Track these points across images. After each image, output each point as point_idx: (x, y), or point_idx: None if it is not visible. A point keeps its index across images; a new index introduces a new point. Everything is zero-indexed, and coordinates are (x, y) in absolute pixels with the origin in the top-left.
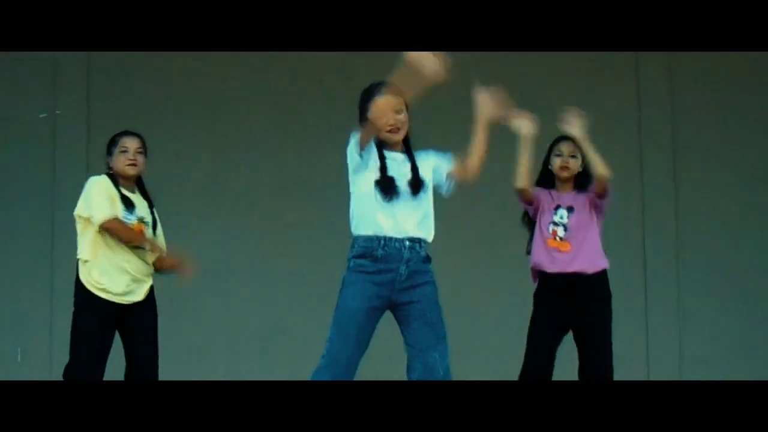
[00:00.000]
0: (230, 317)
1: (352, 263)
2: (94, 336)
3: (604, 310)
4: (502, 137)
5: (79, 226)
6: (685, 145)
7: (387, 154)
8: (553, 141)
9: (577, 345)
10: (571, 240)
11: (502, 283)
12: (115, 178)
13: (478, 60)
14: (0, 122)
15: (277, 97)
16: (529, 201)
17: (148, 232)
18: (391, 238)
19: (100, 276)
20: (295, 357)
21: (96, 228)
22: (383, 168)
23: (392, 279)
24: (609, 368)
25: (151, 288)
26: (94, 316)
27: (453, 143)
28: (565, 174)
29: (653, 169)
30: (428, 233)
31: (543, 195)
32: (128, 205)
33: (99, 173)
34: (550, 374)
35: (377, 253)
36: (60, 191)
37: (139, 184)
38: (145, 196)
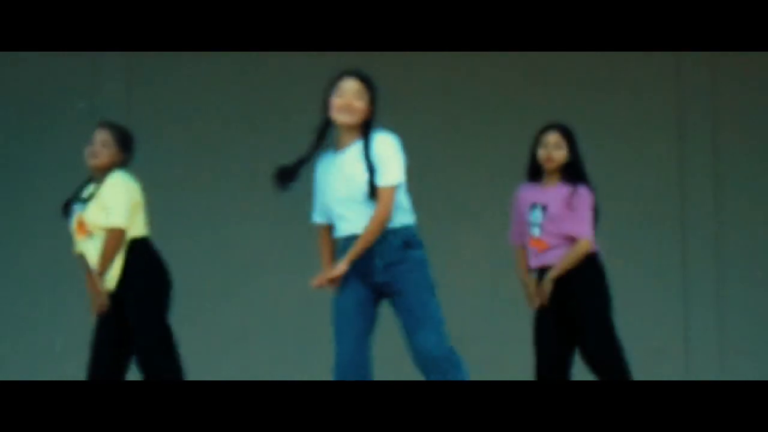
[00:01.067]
0: (242, 315)
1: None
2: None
3: (590, 290)
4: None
5: None
6: (726, 145)
7: (329, 158)
8: (540, 131)
9: (574, 336)
10: (545, 238)
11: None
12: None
13: (513, 60)
14: (41, 116)
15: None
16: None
17: (87, 215)
18: (352, 236)
19: None
20: (306, 355)
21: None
22: (302, 161)
23: (369, 271)
24: (604, 346)
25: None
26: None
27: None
28: (549, 165)
29: (693, 167)
30: (401, 221)
31: (521, 197)
32: (64, 211)
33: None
34: (565, 371)
35: (347, 249)
36: None
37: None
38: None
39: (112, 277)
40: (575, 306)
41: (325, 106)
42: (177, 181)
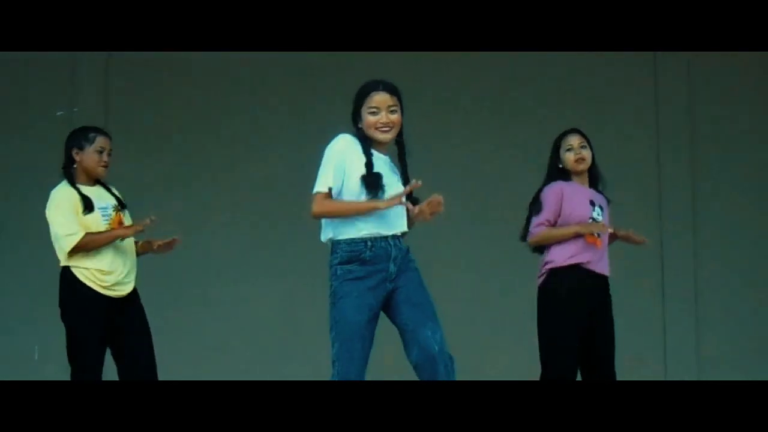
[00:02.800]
0: (244, 315)
1: (338, 271)
2: None
3: (612, 313)
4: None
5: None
6: (703, 145)
7: (372, 152)
8: (558, 137)
9: (586, 346)
10: (603, 238)
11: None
12: (72, 177)
13: (494, 60)
14: (18, 120)
15: (290, 95)
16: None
17: (125, 216)
18: (377, 238)
19: None
20: (308, 354)
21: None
22: (369, 164)
23: (384, 279)
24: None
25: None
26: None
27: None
28: (581, 166)
29: (671, 168)
30: (405, 226)
31: (573, 191)
32: (87, 206)
33: (116, 173)
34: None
35: (365, 255)
36: None
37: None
38: (105, 185)
39: (131, 281)
40: (606, 326)
41: (355, 116)
42: (155, 187)
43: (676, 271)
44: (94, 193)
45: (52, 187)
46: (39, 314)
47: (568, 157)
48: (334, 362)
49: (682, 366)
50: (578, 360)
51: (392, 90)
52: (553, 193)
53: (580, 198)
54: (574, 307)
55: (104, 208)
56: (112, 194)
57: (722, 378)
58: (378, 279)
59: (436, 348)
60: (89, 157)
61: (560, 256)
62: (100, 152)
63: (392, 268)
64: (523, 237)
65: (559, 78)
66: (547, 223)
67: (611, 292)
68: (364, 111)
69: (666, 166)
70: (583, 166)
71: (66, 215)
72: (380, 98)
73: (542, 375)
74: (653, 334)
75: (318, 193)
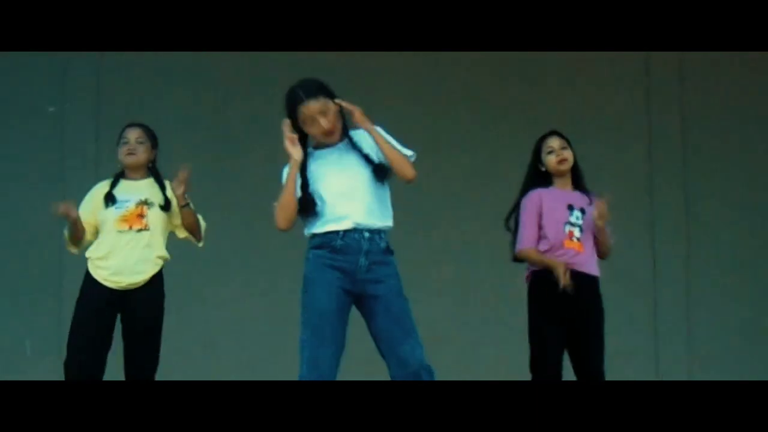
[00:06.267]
0: (235, 313)
1: (310, 255)
2: None
3: (602, 311)
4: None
5: None
6: (695, 145)
7: (320, 154)
8: (539, 140)
9: (573, 345)
10: (584, 242)
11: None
12: (122, 172)
13: (485, 60)
14: (9, 116)
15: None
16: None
17: (151, 211)
18: (349, 231)
19: None
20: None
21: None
22: (305, 184)
23: (353, 270)
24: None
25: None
26: None
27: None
28: (564, 167)
29: (663, 168)
30: (387, 222)
31: (549, 197)
32: (108, 200)
33: (108, 168)
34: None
35: (335, 243)
36: (69, 186)
37: (153, 171)
38: (159, 180)
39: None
40: (591, 325)
41: (292, 119)
42: None
43: (668, 270)
44: (131, 186)
45: (45, 184)
46: (30, 308)
47: (550, 160)
48: (302, 349)
49: (673, 366)
50: (570, 357)
51: (314, 92)
52: (531, 203)
53: (557, 204)
54: (557, 307)
55: (124, 201)
56: (162, 190)
57: (712, 378)
58: (348, 270)
59: (415, 365)
60: (119, 151)
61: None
62: (126, 143)
63: (362, 261)
64: (513, 257)
65: (550, 78)
66: (533, 244)
67: (605, 293)
68: (301, 124)
69: (658, 167)
70: (566, 167)
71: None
72: (309, 110)
73: (531, 373)
74: (644, 334)
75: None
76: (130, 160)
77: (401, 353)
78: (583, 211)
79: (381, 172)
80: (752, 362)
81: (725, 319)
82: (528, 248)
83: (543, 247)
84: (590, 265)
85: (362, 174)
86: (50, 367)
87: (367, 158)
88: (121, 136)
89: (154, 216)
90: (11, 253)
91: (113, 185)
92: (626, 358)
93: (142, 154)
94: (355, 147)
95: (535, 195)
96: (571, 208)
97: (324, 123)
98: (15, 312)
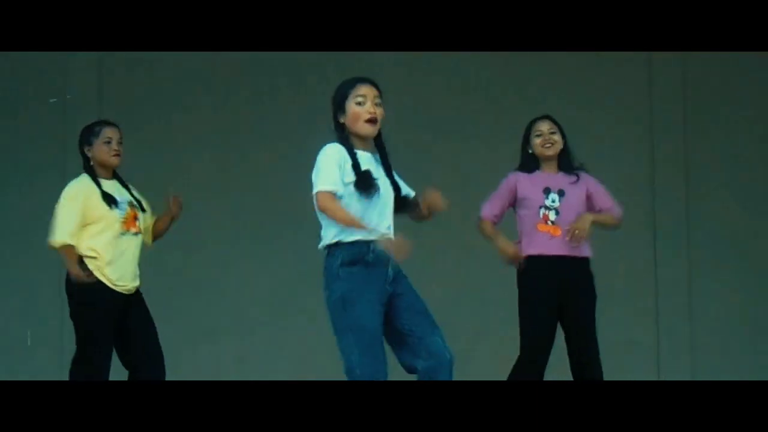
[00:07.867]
0: (238, 306)
1: (341, 273)
2: None
3: (594, 293)
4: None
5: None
6: (697, 144)
7: (356, 152)
8: (529, 124)
9: (568, 330)
10: (562, 225)
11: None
12: (93, 172)
13: (488, 60)
14: (9, 116)
15: (282, 92)
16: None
17: (140, 215)
18: (377, 241)
19: None
20: (302, 347)
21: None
22: (356, 165)
23: (384, 282)
24: (598, 354)
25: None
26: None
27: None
28: (549, 152)
29: (665, 166)
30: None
31: (525, 180)
32: (110, 201)
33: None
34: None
35: (368, 257)
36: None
37: (115, 173)
38: (122, 181)
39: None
40: (582, 308)
41: (337, 111)
42: (146, 179)
43: (670, 271)
44: (112, 187)
45: (47, 176)
46: (32, 300)
47: (537, 143)
48: (353, 370)
49: (674, 359)
50: (559, 334)
51: (377, 86)
52: (506, 183)
53: (533, 188)
54: (543, 291)
55: (120, 203)
56: (129, 191)
57: (714, 371)
58: (381, 282)
59: (448, 356)
60: (99, 149)
61: (523, 249)
62: (108, 142)
63: (390, 272)
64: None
65: (553, 78)
66: (492, 218)
67: (606, 286)
68: (350, 102)
69: (660, 166)
70: (551, 152)
71: (71, 213)
72: (367, 89)
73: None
74: (646, 330)
75: (325, 191)
76: (116, 161)
77: (433, 345)
78: (561, 193)
79: (404, 203)
80: (754, 356)
81: (727, 312)
82: (485, 220)
83: (519, 229)
84: (578, 248)
85: (389, 189)
86: (49, 357)
87: (395, 182)
88: (96, 133)
89: (142, 219)
90: (12, 247)
91: (98, 185)
92: (628, 351)
93: (121, 156)
94: (382, 163)
95: (512, 177)
96: (547, 191)
97: (373, 108)
98: (15, 303)
